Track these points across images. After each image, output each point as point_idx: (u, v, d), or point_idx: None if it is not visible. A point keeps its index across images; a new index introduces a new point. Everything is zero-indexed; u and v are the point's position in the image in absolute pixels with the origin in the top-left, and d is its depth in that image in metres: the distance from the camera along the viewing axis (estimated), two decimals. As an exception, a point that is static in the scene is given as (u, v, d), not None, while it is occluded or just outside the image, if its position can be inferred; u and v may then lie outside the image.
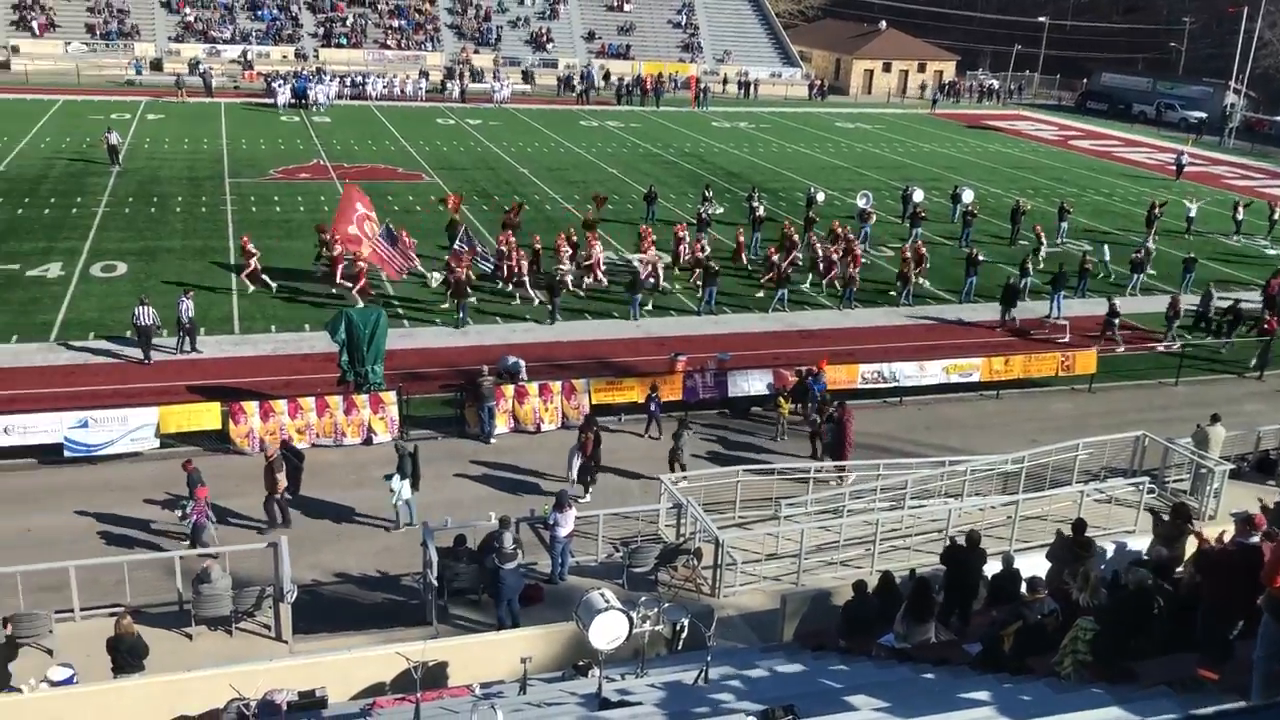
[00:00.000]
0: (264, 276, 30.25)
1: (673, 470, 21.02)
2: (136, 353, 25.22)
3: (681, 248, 34.82)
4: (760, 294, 32.62)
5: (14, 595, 14.93)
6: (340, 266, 30.36)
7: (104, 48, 70.72)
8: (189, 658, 14.48)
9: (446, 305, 29.59)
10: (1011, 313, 31.28)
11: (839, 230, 36.20)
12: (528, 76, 76.55)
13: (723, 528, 17.65)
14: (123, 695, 12.64)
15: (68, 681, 13.04)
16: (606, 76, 77.79)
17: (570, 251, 32.31)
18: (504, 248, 32.13)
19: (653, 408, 23.43)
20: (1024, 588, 13.04)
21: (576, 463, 20.45)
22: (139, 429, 20.94)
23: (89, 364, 25.01)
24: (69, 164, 44.51)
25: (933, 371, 26.55)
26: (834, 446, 22.02)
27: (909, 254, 34.09)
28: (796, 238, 35.06)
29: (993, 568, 15.07)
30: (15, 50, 68.46)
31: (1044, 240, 37.68)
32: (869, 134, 68.19)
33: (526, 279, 31.32)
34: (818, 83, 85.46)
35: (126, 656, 13.40)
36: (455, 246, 31.59)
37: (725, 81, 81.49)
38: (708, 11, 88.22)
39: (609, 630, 10.14)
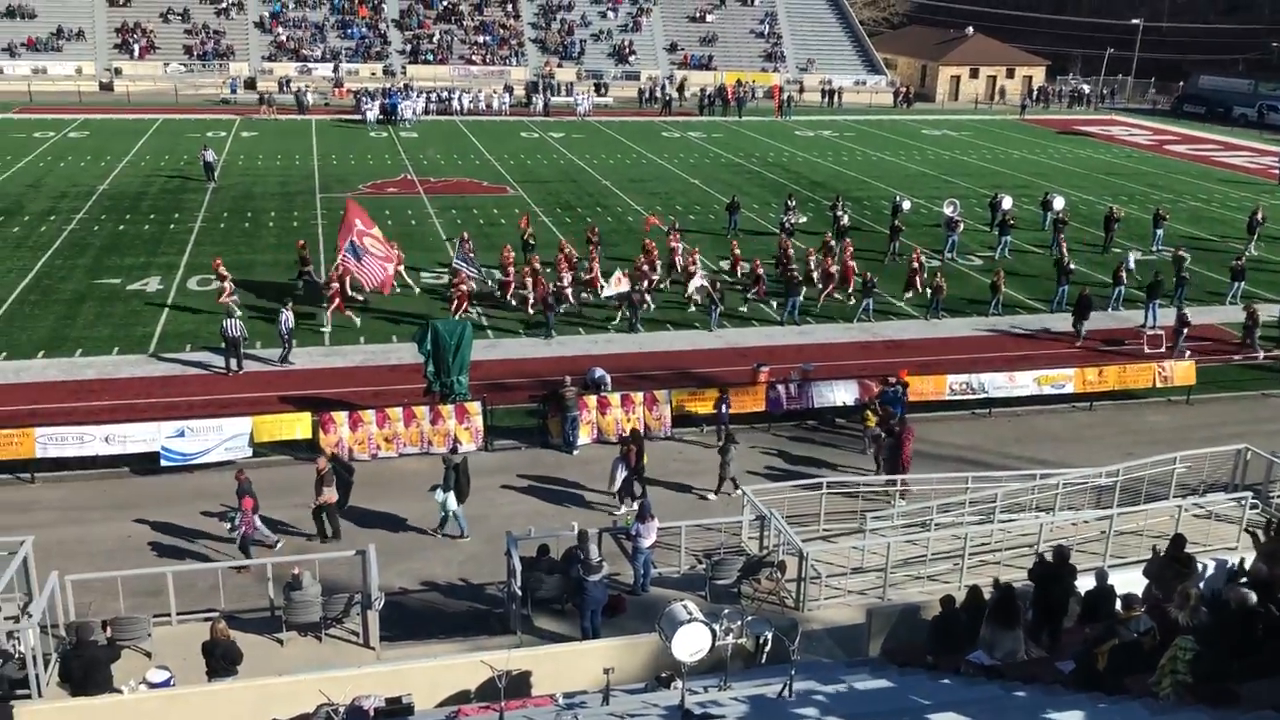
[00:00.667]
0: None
1: (720, 486, 20.98)
2: (231, 362, 25.85)
3: (676, 258, 34.03)
4: (850, 302, 32.29)
5: (115, 599, 15.43)
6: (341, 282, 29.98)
7: (200, 68, 73.03)
8: (280, 663, 14.79)
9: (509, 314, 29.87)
10: (1084, 326, 30.06)
11: (831, 243, 35.45)
12: (602, 89, 76.94)
13: (807, 540, 17.47)
14: (216, 698, 12.95)
15: (165, 684, 13.42)
16: (681, 88, 77.80)
17: (570, 268, 31.84)
18: (509, 265, 31.82)
19: (722, 409, 23.24)
20: (1119, 605, 12.65)
21: (621, 475, 20.26)
22: (233, 438, 21.48)
23: (185, 375, 25.75)
24: (167, 181, 45.99)
25: (1023, 383, 25.98)
26: (890, 463, 21.49)
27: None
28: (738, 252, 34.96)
29: (1086, 584, 14.64)
30: (118, 72, 71.06)
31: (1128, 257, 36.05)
32: (956, 141, 67.18)
33: (531, 294, 30.47)
34: (903, 90, 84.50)
35: (220, 661, 13.72)
36: (455, 264, 31.44)
37: (802, 90, 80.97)
38: (791, 21, 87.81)
39: (692, 642, 10.08)
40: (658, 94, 75.41)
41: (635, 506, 19.70)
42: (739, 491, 20.32)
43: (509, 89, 72.93)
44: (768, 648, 12.89)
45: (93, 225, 38.41)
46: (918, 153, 61.95)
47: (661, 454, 22.62)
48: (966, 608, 14.06)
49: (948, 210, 40.22)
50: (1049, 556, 14.71)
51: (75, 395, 24.38)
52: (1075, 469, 20.80)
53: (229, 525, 18.38)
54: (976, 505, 19.80)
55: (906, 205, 42.40)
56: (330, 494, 18.98)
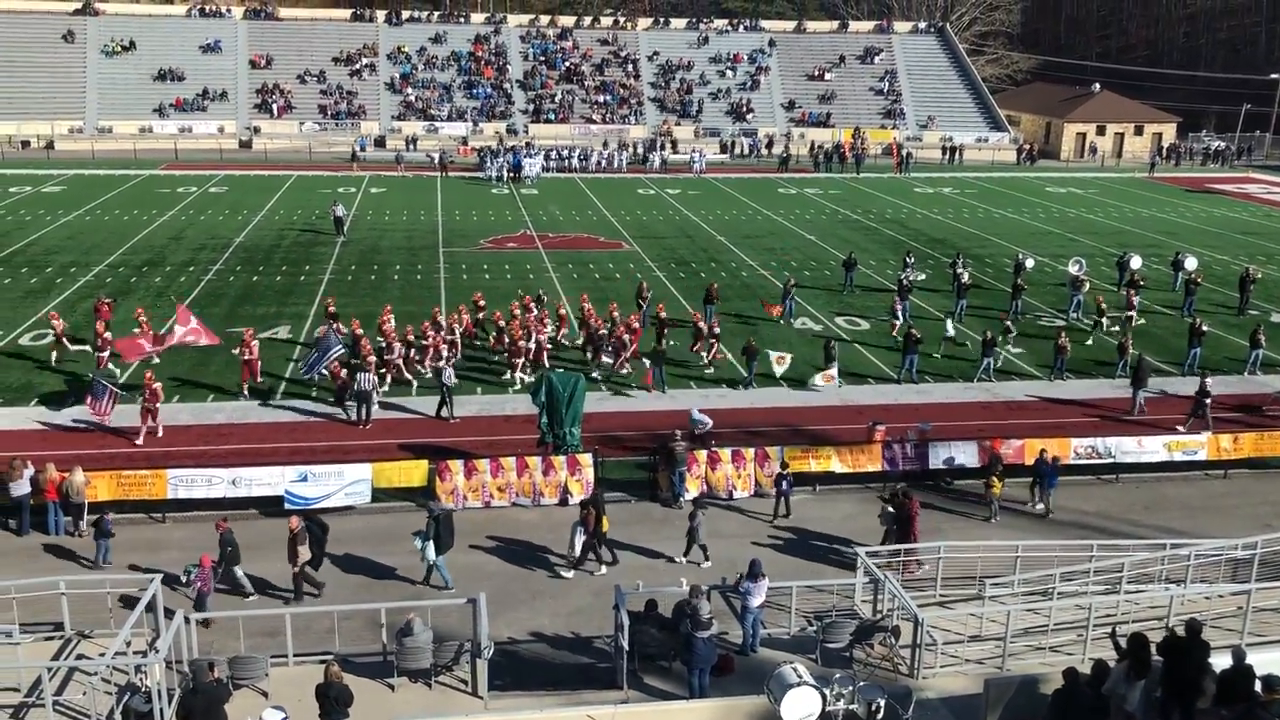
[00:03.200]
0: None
1: (688, 553, 20.58)
2: (361, 412, 26.46)
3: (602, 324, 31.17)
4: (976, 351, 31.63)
5: (236, 638, 15.85)
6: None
7: (334, 126, 76.20)
8: (390, 708, 14.96)
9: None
10: (1142, 394, 28.16)
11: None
12: (727, 147, 77.66)
13: (922, 605, 16.98)
14: (328, 741, 13.15)
15: (280, 724, 13.67)
16: (769, 143, 78.12)
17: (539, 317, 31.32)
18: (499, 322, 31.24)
19: (784, 486, 22.42)
20: (1259, 686, 11.95)
21: (580, 540, 19.87)
22: (354, 484, 22.02)
23: (309, 422, 26.53)
24: (299, 235, 47.88)
25: (1153, 448, 24.98)
26: (900, 537, 20.30)
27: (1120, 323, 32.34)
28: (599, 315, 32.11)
29: (1221, 663, 13.87)
30: (257, 130, 74.64)
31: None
32: (1081, 199, 65.60)
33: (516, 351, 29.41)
34: (1027, 147, 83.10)
35: (333, 703, 13.94)
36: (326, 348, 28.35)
37: (905, 141, 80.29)
38: (911, 78, 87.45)
39: (801, 706, 9.89)
40: (762, 150, 75.43)
41: (603, 570, 19.82)
42: (707, 563, 20.28)
43: (622, 146, 73.85)
44: (880, 715, 12.53)
45: (229, 276, 40.17)
46: (1041, 210, 60.68)
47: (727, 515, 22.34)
48: (1091, 683, 13.47)
49: (1073, 269, 39.19)
50: (1179, 630, 14.02)
51: (205, 439, 25.35)
52: (1209, 539, 19.83)
53: (184, 578, 18.11)
54: (1102, 574, 19.02)
55: (1030, 263, 41.48)
56: (305, 553, 18.86)
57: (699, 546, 20.53)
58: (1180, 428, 26.56)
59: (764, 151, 77.62)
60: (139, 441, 24.70)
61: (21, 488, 20.85)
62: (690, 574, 19.01)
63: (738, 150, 76.40)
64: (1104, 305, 35.19)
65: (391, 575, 19.84)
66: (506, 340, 29.87)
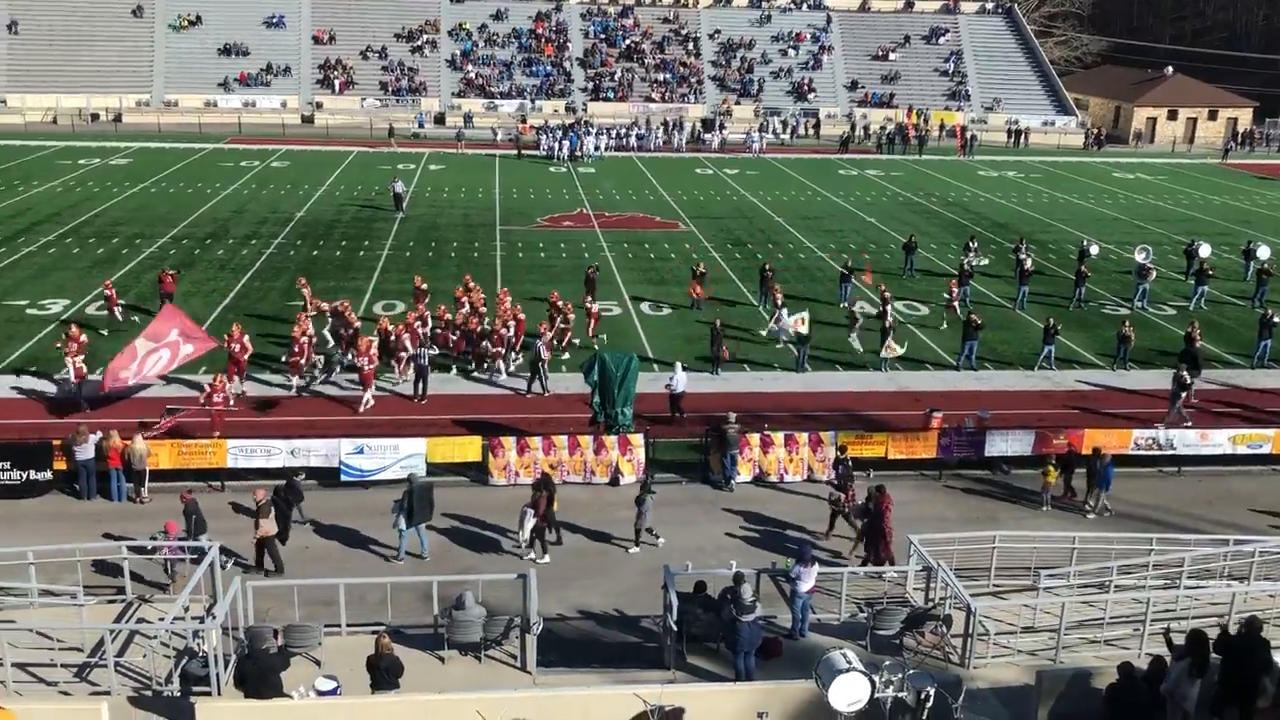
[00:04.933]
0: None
1: (638, 540, 20.29)
2: (419, 388, 26.69)
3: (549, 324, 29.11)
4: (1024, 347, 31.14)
5: (291, 606, 16.11)
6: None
7: (394, 103, 76.65)
8: (440, 680, 15.12)
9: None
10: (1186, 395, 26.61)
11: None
12: (785, 127, 76.95)
13: (975, 595, 16.78)
14: (378, 710, 13.34)
15: (332, 692, 13.90)
16: (817, 124, 77.20)
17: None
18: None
19: (840, 470, 21.96)
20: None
21: (530, 523, 19.60)
22: (409, 457, 22.26)
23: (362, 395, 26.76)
24: (359, 210, 48.31)
25: (1217, 441, 24.43)
26: (870, 540, 19.59)
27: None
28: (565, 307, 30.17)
29: (1284, 662, 13.55)
30: (319, 106, 75.35)
31: None
32: (1150, 185, 64.14)
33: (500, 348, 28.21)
34: (1094, 131, 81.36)
35: (384, 674, 14.11)
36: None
37: (969, 124, 78.94)
38: (977, 59, 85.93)
39: (850, 692, 9.81)
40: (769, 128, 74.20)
41: (546, 558, 19.55)
42: (660, 541, 20.10)
43: (676, 125, 73.16)
44: (929, 704, 12.38)
45: (289, 250, 40.67)
46: (1108, 196, 59.43)
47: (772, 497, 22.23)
48: (1149, 678, 13.23)
49: (1139, 257, 38.30)
50: (1239, 628, 13.70)
51: (265, 409, 25.72)
52: (1275, 536, 19.36)
53: (150, 547, 17.94)
54: (1161, 569, 18.66)
55: (1094, 250, 40.67)
56: (268, 526, 18.83)
57: (646, 530, 20.23)
58: (1158, 424, 25.73)
59: (809, 132, 76.60)
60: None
61: (86, 452, 21.35)
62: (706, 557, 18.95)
63: (770, 131, 74.86)
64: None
65: (444, 549, 20.02)
66: (479, 331, 28.45)
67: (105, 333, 29.83)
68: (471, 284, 31.62)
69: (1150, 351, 31.33)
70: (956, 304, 33.74)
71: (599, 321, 31.45)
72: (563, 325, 29.63)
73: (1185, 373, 26.63)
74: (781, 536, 20.83)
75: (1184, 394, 26.28)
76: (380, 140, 67.57)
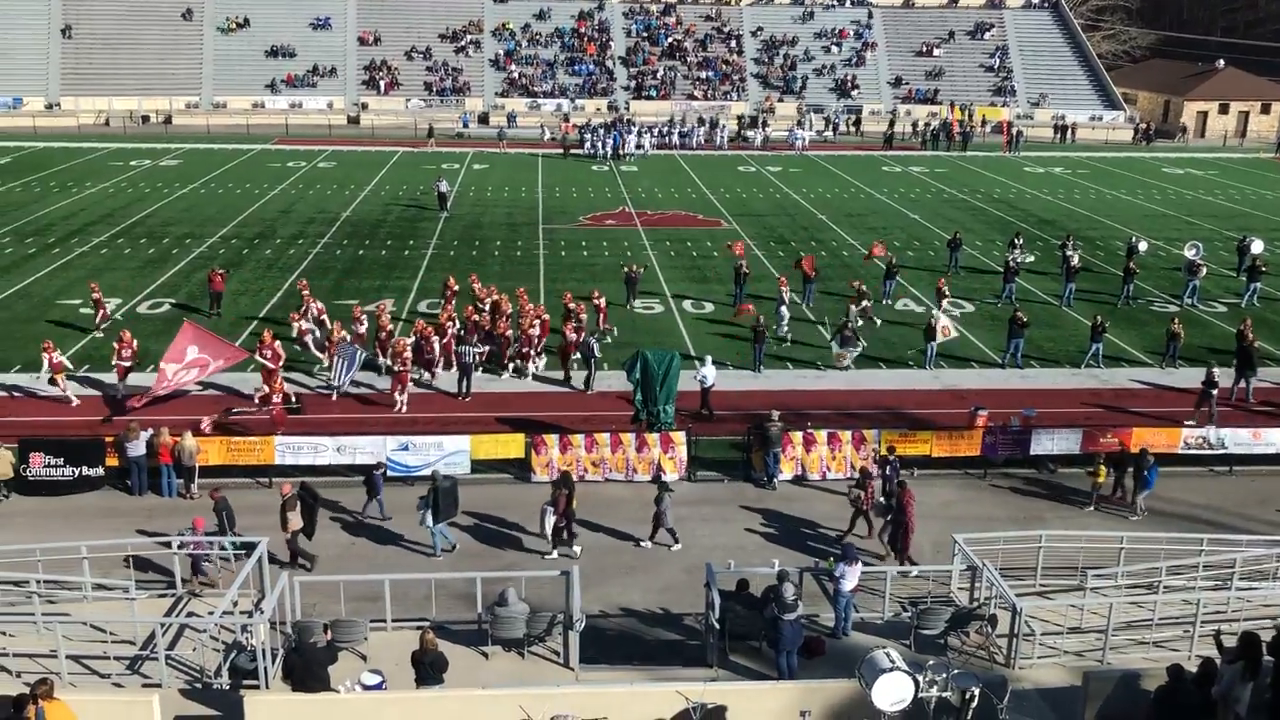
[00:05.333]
0: None
1: (653, 537, 20.17)
2: (463, 385, 26.86)
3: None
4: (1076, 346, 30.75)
5: (337, 602, 16.31)
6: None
7: (439, 103, 77.24)
8: (484, 676, 15.23)
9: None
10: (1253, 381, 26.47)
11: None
12: (830, 125, 76.54)
13: (1021, 595, 16.63)
14: (423, 705, 13.47)
15: (378, 687, 14.04)
16: (857, 121, 76.78)
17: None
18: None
19: (888, 471, 21.73)
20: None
21: (550, 521, 19.62)
22: (453, 454, 22.43)
23: (411, 393, 26.99)
24: (404, 210, 48.71)
25: (1272, 440, 23.98)
26: (894, 534, 19.45)
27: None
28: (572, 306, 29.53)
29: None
30: (364, 107, 76.10)
31: None
32: (1200, 180, 63.08)
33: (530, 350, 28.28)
34: (1143, 126, 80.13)
35: (429, 669, 14.25)
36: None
37: (1015, 119, 77.98)
38: (1023, 54, 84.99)
39: (893, 691, 9.77)
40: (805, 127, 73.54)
41: (572, 550, 19.55)
42: (678, 545, 19.96)
43: (712, 123, 72.94)
44: (974, 704, 12.30)
45: (335, 249, 41.10)
46: (1157, 192, 58.53)
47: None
48: (1199, 681, 13.03)
49: (1189, 253, 37.70)
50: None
51: (311, 407, 26.02)
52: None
53: (178, 543, 17.88)
54: (1212, 569, 18.37)
55: (1143, 246, 40.10)
56: (295, 520, 18.97)
57: (666, 530, 20.18)
58: (1189, 421, 25.43)
59: (850, 129, 76.10)
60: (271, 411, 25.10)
61: (137, 449, 21.72)
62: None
63: (809, 127, 74.06)
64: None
65: (487, 546, 20.16)
66: (510, 333, 28.61)
67: (100, 334, 30.15)
68: (486, 285, 31.63)
69: (1200, 349, 30.84)
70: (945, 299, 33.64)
71: (606, 317, 31.53)
72: (574, 327, 28.52)
73: (1215, 370, 26.32)
74: (824, 535, 20.75)
75: (1214, 391, 25.78)
76: (421, 140, 68.05)
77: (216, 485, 20.72)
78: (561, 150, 66.18)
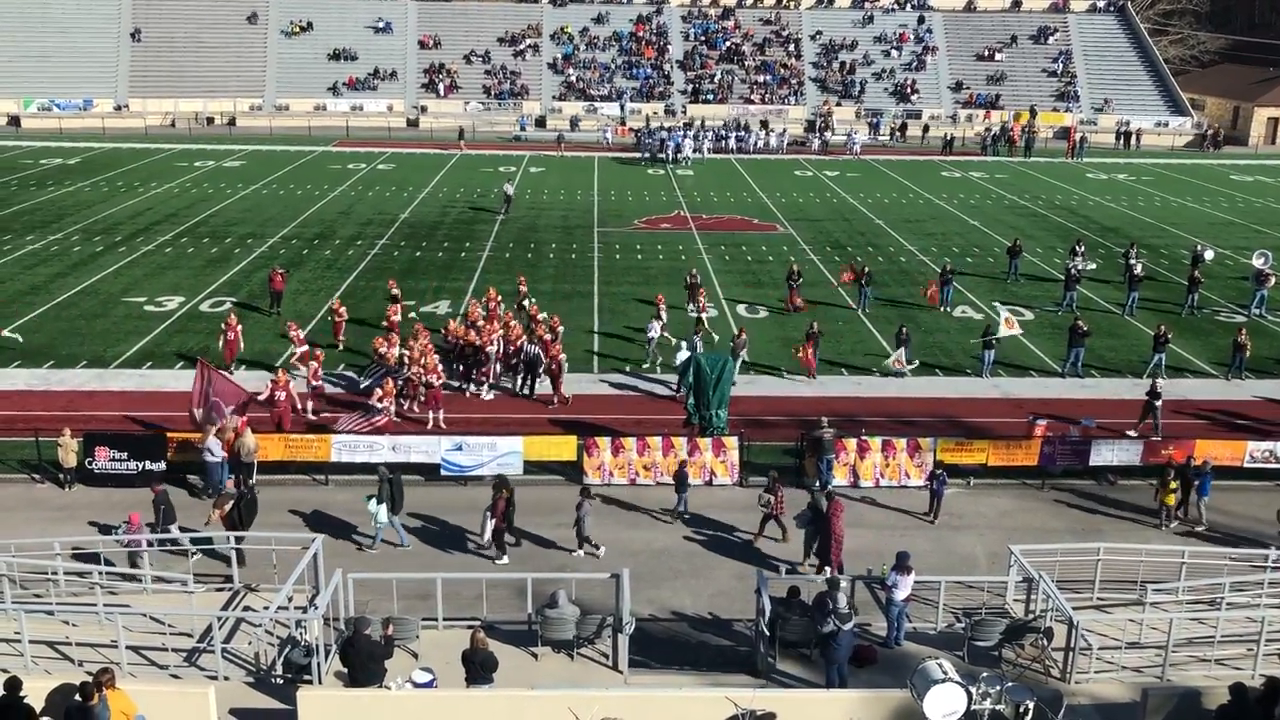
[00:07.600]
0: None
1: (580, 548, 19.86)
2: (524, 383, 27.13)
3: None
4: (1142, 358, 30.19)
5: (389, 599, 16.47)
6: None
7: (497, 106, 77.81)
8: (533, 676, 15.28)
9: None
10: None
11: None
12: (891, 130, 75.89)
13: (1078, 608, 16.34)
14: (472, 704, 13.54)
15: (429, 685, 14.16)
16: (902, 126, 76.08)
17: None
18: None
19: (935, 485, 21.51)
20: None
21: (490, 525, 19.46)
22: (506, 455, 22.55)
23: (461, 394, 27.16)
24: (461, 212, 49.10)
25: (1341, 455, 23.35)
26: (821, 546, 18.93)
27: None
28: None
29: None
30: (424, 110, 76.88)
31: None
32: (1270, 187, 61.63)
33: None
34: (1210, 132, 78.49)
35: (479, 668, 14.33)
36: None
37: (1078, 125, 76.64)
38: (1087, 59, 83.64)
39: (945, 703, 9.63)
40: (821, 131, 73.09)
41: (506, 559, 19.48)
42: (600, 551, 19.75)
43: (766, 126, 72.57)
44: (1028, 718, 12.11)
45: (393, 251, 41.54)
46: (1225, 199, 57.28)
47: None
48: (1263, 701, 12.72)
49: (1257, 262, 36.83)
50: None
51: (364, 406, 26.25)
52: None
53: (114, 535, 18.44)
54: (1277, 586, 17.90)
55: (1209, 255, 39.27)
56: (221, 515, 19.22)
57: (587, 539, 19.88)
58: (1130, 431, 24.77)
59: (898, 135, 75.44)
60: (309, 414, 25.53)
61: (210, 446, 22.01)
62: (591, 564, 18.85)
63: (859, 133, 73.12)
64: None
65: (539, 547, 20.24)
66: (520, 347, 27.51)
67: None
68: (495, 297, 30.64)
69: (1268, 360, 30.12)
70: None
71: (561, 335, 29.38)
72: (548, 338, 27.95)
73: (1159, 382, 26.04)
74: (877, 543, 20.53)
75: (1157, 404, 25.08)
76: (453, 143, 68.30)
77: (158, 478, 21.13)
78: (642, 155, 65.58)
